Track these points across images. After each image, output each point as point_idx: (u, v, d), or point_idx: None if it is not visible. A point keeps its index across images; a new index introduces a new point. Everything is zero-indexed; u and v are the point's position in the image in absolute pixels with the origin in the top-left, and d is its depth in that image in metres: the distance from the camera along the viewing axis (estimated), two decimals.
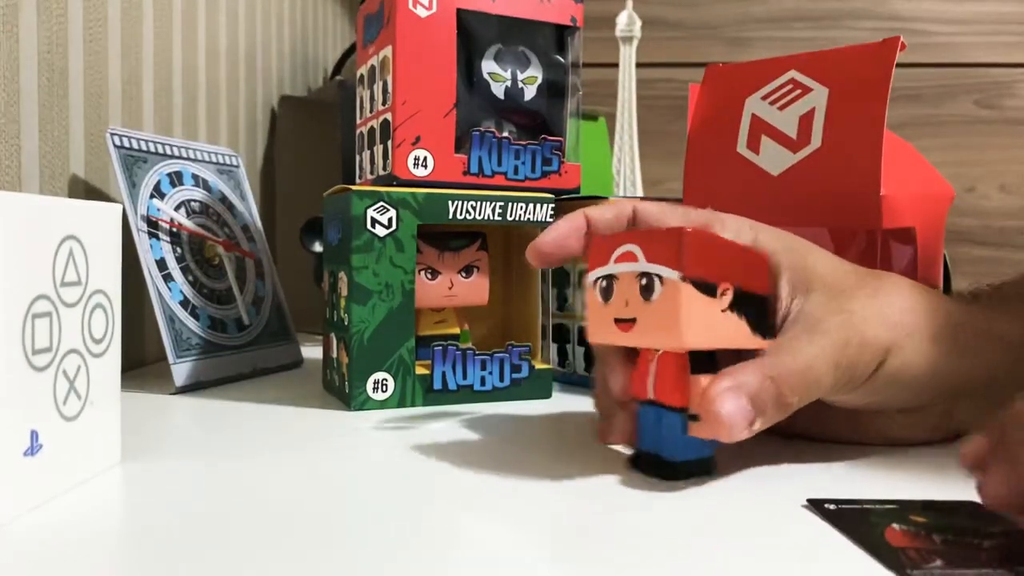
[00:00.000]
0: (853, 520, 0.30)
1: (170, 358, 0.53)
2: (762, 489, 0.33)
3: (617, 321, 0.34)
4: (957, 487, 0.33)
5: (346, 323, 0.49)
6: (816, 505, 0.31)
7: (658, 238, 0.33)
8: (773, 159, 0.50)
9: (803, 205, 0.49)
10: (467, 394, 0.51)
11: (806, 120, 0.49)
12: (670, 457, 0.34)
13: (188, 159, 0.62)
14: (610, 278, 0.34)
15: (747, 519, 0.30)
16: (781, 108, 0.50)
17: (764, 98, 0.51)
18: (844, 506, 0.31)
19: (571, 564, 0.26)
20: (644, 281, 0.33)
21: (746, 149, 0.51)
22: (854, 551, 0.27)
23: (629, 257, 0.33)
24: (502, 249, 0.58)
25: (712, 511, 0.31)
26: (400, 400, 0.49)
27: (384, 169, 0.51)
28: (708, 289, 0.32)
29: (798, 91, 0.50)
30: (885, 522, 0.29)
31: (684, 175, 0.54)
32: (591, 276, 0.35)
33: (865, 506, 0.31)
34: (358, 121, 0.57)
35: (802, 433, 0.40)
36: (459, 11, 0.51)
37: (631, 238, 0.34)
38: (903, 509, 0.31)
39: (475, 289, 0.53)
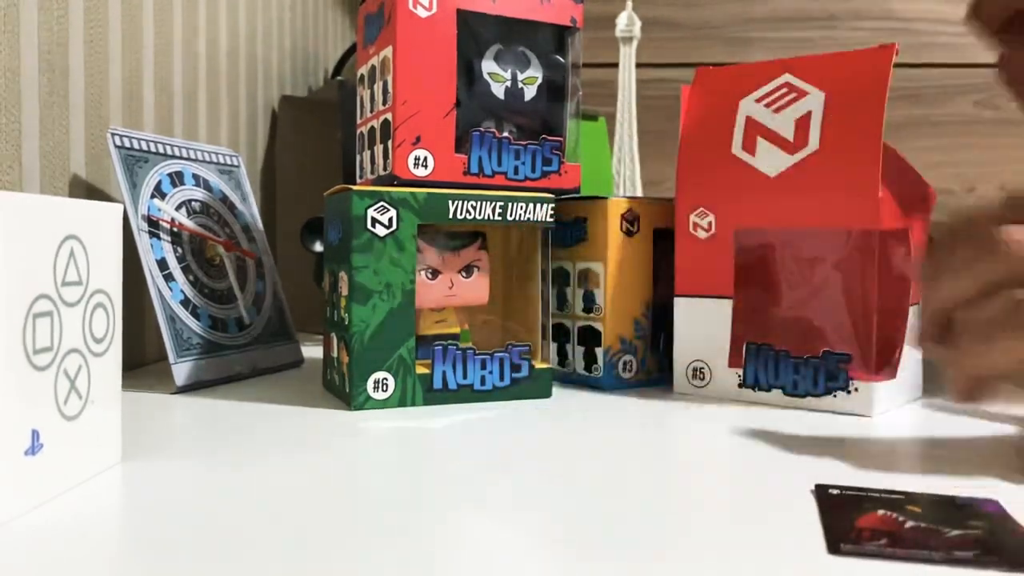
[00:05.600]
0: (842, 504, 0.30)
1: (171, 358, 0.53)
2: (780, 474, 0.34)
3: None
4: (987, 487, 0.33)
5: (346, 323, 0.49)
6: (821, 490, 0.32)
7: None
8: (769, 160, 0.51)
9: (800, 205, 0.49)
10: (467, 393, 0.51)
11: (803, 123, 0.50)
12: None
13: (189, 159, 0.62)
14: None
15: (753, 503, 0.30)
16: (777, 111, 0.51)
17: (758, 101, 0.52)
18: (847, 492, 0.31)
19: (572, 564, 0.26)
20: None
21: (741, 151, 0.52)
22: (811, 529, 0.28)
23: None
24: (502, 249, 0.58)
25: (718, 495, 0.31)
26: (400, 399, 0.49)
27: (384, 169, 0.51)
28: None
29: (793, 94, 0.51)
30: (875, 508, 0.30)
31: (677, 176, 0.55)
32: None
33: (869, 494, 0.31)
34: (358, 121, 0.57)
35: None
36: (459, 11, 0.51)
37: None
38: (906, 500, 0.31)
39: (475, 289, 0.53)
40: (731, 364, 0.52)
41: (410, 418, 0.46)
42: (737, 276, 0.52)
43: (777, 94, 0.52)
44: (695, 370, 0.54)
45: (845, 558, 0.26)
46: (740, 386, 0.52)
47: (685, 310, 0.54)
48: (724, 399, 0.52)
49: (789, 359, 0.50)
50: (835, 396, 0.48)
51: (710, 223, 0.53)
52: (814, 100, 0.50)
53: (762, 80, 0.53)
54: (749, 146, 0.52)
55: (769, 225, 0.51)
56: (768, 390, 0.51)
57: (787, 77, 0.52)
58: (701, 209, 0.53)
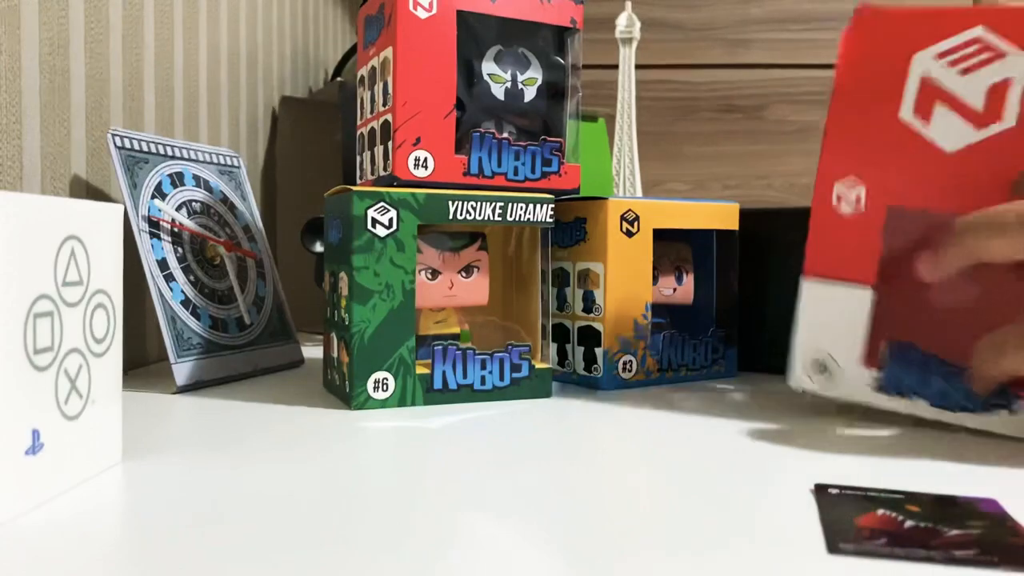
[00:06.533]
0: (842, 504, 0.30)
1: (171, 358, 0.53)
2: (779, 473, 0.34)
3: None
4: (986, 487, 0.33)
5: (347, 323, 0.49)
6: (820, 489, 0.32)
7: None
8: (948, 132, 0.43)
9: (984, 190, 0.42)
10: (467, 393, 0.51)
11: (998, 92, 0.42)
12: None
13: (189, 160, 0.62)
14: None
15: (752, 503, 0.30)
16: (963, 73, 0.43)
17: (940, 56, 0.44)
18: (847, 491, 0.31)
19: (572, 563, 0.26)
20: None
21: (913, 116, 0.44)
22: (811, 528, 0.28)
23: None
24: (502, 249, 0.59)
25: (716, 498, 0.31)
26: (400, 399, 0.49)
27: (385, 170, 0.51)
28: None
29: (987, 54, 0.43)
30: (874, 508, 0.30)
31: (825, 135, 0.47)
32: None
33: (869, 493, 0.31)
34: (359, 122, 0.57)
35: None
36: (459, 12, 0.51)
37: None
38: (906, 499, 0.31)
39: (475, 289, 0.54)
40: (867, 363, 0.45)
41: (410, 418, 0.47)
42: (885, 263, 0.44)
43: (966, 51, 0.44)
44: (816, 362, 0.46)
45: (845, 557, 0.26)
46: (877, 389, 0.45)
47: (814, 294, 0.46)
48: (851, 400, 0.45)
49: (941, 366, 0.43)
50: (996, 415, 0.42)
51: (858, 196, 0.45)
52: (1015, 65, 0.42)
53: (947, 30, 0.44)
54: (924, 112, 0.44)
55: (937, 208, 0.43)
56: (910, 397, 0.44)
57: (980, 31, 0.43)
58: (851, 178, 0.45)
